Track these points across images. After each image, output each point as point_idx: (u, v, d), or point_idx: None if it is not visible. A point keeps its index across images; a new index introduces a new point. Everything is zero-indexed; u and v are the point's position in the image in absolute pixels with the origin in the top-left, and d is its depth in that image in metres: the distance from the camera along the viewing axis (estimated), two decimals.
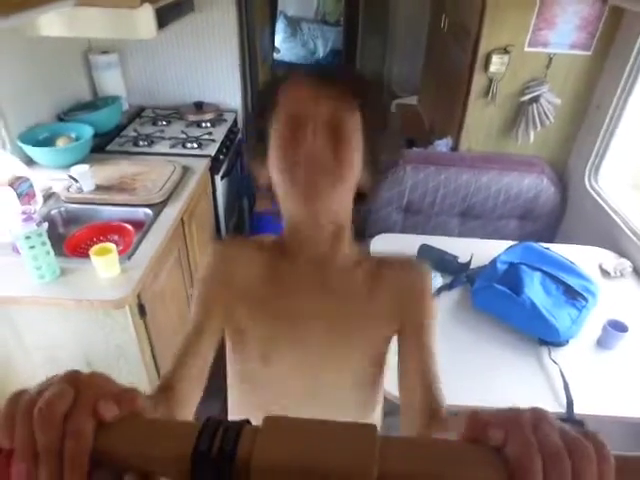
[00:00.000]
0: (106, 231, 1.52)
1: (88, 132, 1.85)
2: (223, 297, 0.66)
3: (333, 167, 0.58)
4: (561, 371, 1.27)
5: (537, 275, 1.47)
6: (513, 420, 0.33)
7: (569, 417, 1.19)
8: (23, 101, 1.78)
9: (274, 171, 0.61)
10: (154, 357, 1.47)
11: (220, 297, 0.66)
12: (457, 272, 1.62)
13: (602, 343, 1.38)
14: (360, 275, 0.69)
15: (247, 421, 0.34)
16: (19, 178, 1.45)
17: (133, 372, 1.42)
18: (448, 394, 1.24)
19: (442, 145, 2.37)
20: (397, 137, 2.18)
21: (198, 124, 2.22)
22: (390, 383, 1.24)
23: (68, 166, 1.66)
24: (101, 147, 1.97)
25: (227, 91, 2.40)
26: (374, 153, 0.63)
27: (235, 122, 2.38)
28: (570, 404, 1.20)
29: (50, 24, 1.62)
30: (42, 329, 1.34)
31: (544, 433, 0.32)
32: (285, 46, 5.35)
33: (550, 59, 1.99)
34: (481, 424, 0.33)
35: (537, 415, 0.33)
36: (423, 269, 0.73)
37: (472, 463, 0.31)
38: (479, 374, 1.29)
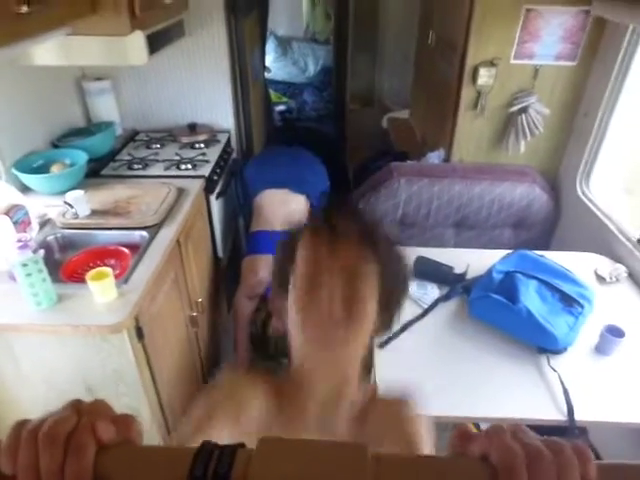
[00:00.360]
0: (102, 255, 1.53)
1: (82, 158, 1.86)
2: (228, 429, 0.64)
3: (346, 325, 0.60)
4: (560, 378, 1.28)
5: (533, 283, 1.47)
6: (494, 431, 0.35)
7: (571, 424, 1.19)
8: (17, 129, 1.80)
9: (292, 315, 0.64)
10: (154, 380, 1.46)
11: (225, 428, 0.64)
12: (453, 283, 1.62)
13: (600, 349, 1.38)
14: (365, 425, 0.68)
15: (241, 444, 0.35)
16: (15, 206, 1.46)
17: (132, 396, 1.42)
18: (446, 405, 1.24)
19: (434, 157, 2.39)
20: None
21: (192, 145, 2.25)
22: None
23: (63, 192, 1.67)
24: (96, 172, 1.98)
25: (220, 112, 2.43)
26: (389, 303, 0.66)
27: (228, 142, 2.41)
28: (571, 411, 1.20)
29: (43, 53, 1.65)
30: (40, 355, 1.33)
31: (525, 438, 0.34)
32: (276, 65, 5.42)
33: (536, 70, 2.03)
34: (466, 437, 0.35)
35: (516, 426, 0.36)
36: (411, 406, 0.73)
37: (460, 474, 0.32)
38: (478, 384, 1.29)
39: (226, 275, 2.29)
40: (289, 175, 2.34)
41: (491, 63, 2.02)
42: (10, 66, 1.71)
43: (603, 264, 1.74)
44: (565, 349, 1.38)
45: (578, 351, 1.39)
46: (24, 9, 1.06)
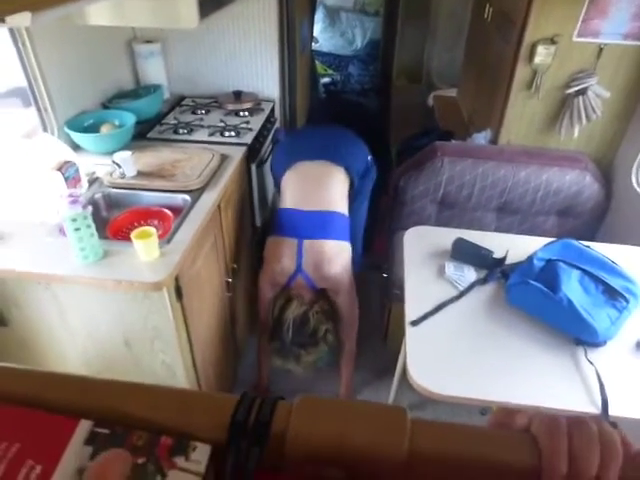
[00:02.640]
0: (146, 216, 1.57)
1: (131, 119, 1.91)
2: None
3: None
4: (597, 372, 1.24)
5: (576, 273, 1.43)
6: (534, 410, 0.36)
7: (604, 418, 1.16)
8: (70, 90, 1.85)
9: None
10: (190, 340, 1.51)
11: None
12: (492, 267, 1.59)
13: None
14: None
15: (281, 397, 0.36)
16: (66, 163, 1.52)
17: (168, 353, 1.47)
18: (480, 390, 1.23)
19: (480, 138, 2.32)
20: None
21: (236, 113, 2.26)
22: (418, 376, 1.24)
23: (111, 152, 1.72)
24: (142, 134, 2.03)
25: (266, 81, 2.42)
26: None
27: (272, 111, 2.40)
28: (605, 405, 1.17)
29: (98, 13, 1.67)
30: (84, 307, 1.40)
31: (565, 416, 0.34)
32: (323, 36, 5.33)
33: (600, 50, 1.91)
34: (507, 411, 0.36)
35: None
36: None
37: (502, 443, 0.32)
38: (512, 371, 1.28)
39: (261, 243, 2.31)
40: (325, 146, 1.99)
41: (551, 40, 1.91)
42: (66, 26, 1.75)
43: None
44: (604, 343, 1.33)
45: (618, 346, 1.34)
46: None
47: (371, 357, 2.30)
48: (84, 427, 0.35)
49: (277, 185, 2.02)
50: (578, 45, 1.91)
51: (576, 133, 2.07)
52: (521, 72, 2.03)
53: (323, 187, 1.88)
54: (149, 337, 1.44)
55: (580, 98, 1.98)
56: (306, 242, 1.79)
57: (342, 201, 1.92)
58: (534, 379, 1.25)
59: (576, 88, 1.97)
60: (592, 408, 1.18)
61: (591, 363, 1.28)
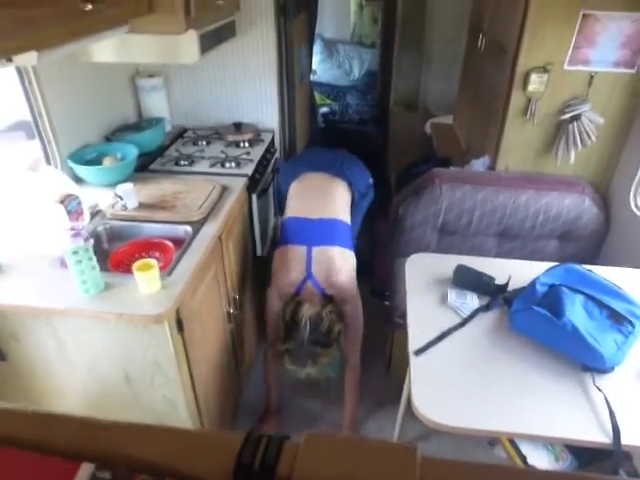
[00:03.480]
0: (148, 247, 1.58)
1: (133, 152, 1.93)
2: None
3: None
4: (606, 399, 1.22)
5: (579, 298, 1.42)
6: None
7: (616, 449, 1.13)
8: (74, 123, 1.88)
9: None
10: (191, 373, 1.49)
11: None
12: (494, 293, 1.58)
13: None
14: None
15: (287, 436, 0.35)
16: (69, 196, 1.53)
17: (170, 388, 1.45)
18: (487, 420, 1.21)
19: (479, 164, 2.34)
20: None
21: (237, 144, 2.29)
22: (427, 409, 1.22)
23: (114, 184, 1.74)
24: (145, 166, 2.05)
25: (265, 112, 2.46)
26: None
27: (272, 142, 2.44)
28: (617, 434, 1.14)
29: (102, 51, 1.72)
30: (84, 341, 1.38)
31: None
32: (322, 67, 5.45)
33: (591, 77, 1.95)
34: None
35: None
36: None
37: None
38: (519, 400, 1.25)
39: (263, 274, 2.31)
40: (331, 162, 2.15)
41: (543, 69, 1.96)
42: (71, 63, 1.79)
43: None
44: (612, 369, 1.31)
45: (626, 372, 1.32)
46: (89, 7, 1.11)
47: (375, 387, 2.26)
48: (85, 471, 0.34)
49: (283, 198, 2.10)
50: (570, 73, 1.96)
51: (572, 158, 2.09)
52: (516, 99, 2.06)
53: (328, 196, 1.99)
54: (150, 371, 1.42)
55: (574, 124, 2.01)
56: (315, 249, 1.81)
57: (345, 211, 2.01)
58: (542, 408, 1.23)
59: (570, 114, 2.01)
60: (603, 437, 1.16)
61: (599, 390, 1.26)
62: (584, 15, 1.84)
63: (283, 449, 0.33)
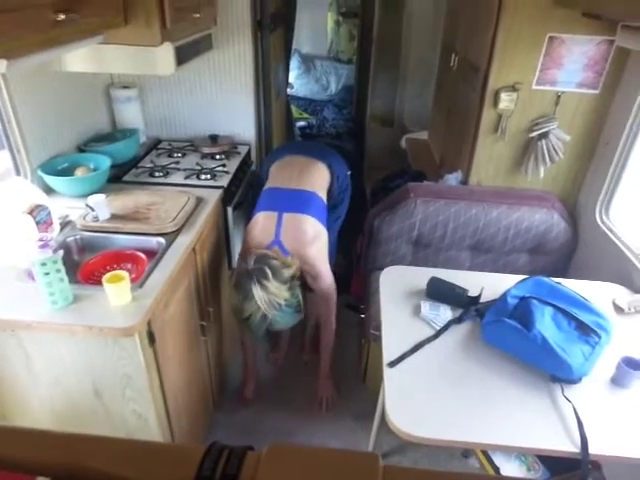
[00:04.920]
0: (119, 259, 1.55)
1: (106, 163, 1.90)
2: None
3: None
4: (575, 409, 1.24)
5: (548, 310, 1.45)
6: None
7: (584, 458, 1.15)
8: (46, 133, 1.84)
9: None
10: (162, 387, 1.46)
11: None
12: (467, 306, 1.61)
13: (617, 381, 1.35)
14: None
15: (250, 447, 0.35)
16: (38, 206, 1.50)
17: (140, 401, 1.41)
18: (460, 432, 1.22)
19: (452, 179, 2.39)
20: None
21: (212, 156, 2.28)
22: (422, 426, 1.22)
23: (85, 195, 1.71)
24: (118, 177, 2.02)
25: (241, 125, 2.47)
26: None
27: (249, 154, 2.44)
28: (585, 444, 1.16)
29: (75, 60, 1.71)
30: (51, 354, 1.34)
31: None
32: (299, 82, 5.51)
33: (558, 97, 2.02)
34: None
35: None
36: None
37: None
38: (488, 410, 1.27)
39: None
40: (311, 148, 2.17)
41: (513, 88, 2.02)
42: (43, 71, 1.77)
43: (622, 294, 1.71)
44: (580, 379, 1.34)
45: (594, 382, 1.35)
46: (61, 17, 1.10)
47: (350, 400, 2.25)
48: None
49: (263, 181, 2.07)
50: (538, 92, 2.03)
51: (542, 173, 2.16)
52: (487, 117, 2.12)
53: (305, 172, 1.98)
54: (119, 385, 1.38)
55: (543, 141, 2.07)
56: (286, 215, 1.79)
57: (322, 190, 2.01)
58: (513, 419, 1.25)
59: (538, 132, 2.07)
60: (572, 447, 1.18)
61: (568, 400, 1.28)
62: (550, 37, 1.92)
63: (245, 460, 0.33)
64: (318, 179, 2.00)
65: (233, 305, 1.71)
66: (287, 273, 1.68)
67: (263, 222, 1.81)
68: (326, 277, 1.90)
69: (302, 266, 1.79)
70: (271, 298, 1.63)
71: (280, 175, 1.99)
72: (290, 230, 1.78)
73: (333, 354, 2.15)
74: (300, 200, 1.87)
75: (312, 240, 1.81)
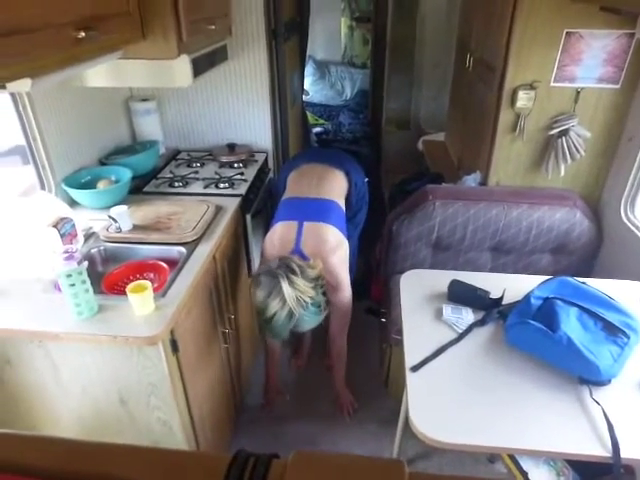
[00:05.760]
0: (142, 269, 1.58)
1: (127, 175, 1.94)
2: None
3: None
4: (604, 412, 1.21)
5: (573, 310, 1.42)
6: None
7: (616, 462, 1.12)
8: (68, 148, 1.89)
9: None
10: (186, 395, 1.48)
11: None
12: (489, 308, 1.58)
13: None
14: None
15: (275, 455, 0.35)
16: (63, 219, 1.53)
17: (165, 410, 1.43)
18: (486, 436, 1.20)
19: (470, 180, 2.37)
20: None
21: (231, 165, 2.31)
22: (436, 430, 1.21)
23: (108, 207, 1.75)
24: (139, 188, 2.06)
25: (258, 133, 2.49)
26: None
27: (266, 162, 2.46)
28: (616, 448, 1.13)
29: (95, 76, 1.75)
30: (78, 364, 1.37)
31: None
32: (314, 88, 5.54)
33: (578, 93, 1.99)
34: None
35: None
36: None
37: None
38: (513, 414, 1.25)
39: None
40: (328, 156, 2.17)
41: (530, 86, 2.00)
42: (65, 88, 1.82)
43: None
44: (609, 381, 1.31)
45: (623, 384, 1.32)
46: (81, 34, 1.13)
47: (373, 405, 2.24)
48: None
49: (281, 194, 2.07)
50: (556, 89, 2.00)
51: (562, 172, 2.12)
52: (505, 116, 2.10)
53: (324, 180, 1.99)
54: (144, 393, 1.40)
55: (563, 139, 2.04)
56: (306, 224, 1.78)
57: (341, 198, 2.01)
58: (540, 422, 1.22)
59: (558, 129, 2.04)
60: (602, 451, 1.15)
61: (597, 403, 1.25)
62: (568, 33, 1.89)
63: (271, 468, 0.33)
64: (337, 187, 2.00)
65: (257, 303, 1.66)
66: (312, 273, 1.65)
67: (283, 231, 1.80)
68: (346, 288, 1.87)
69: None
70: (298, 295, 1.59)
71: (298, 184, 2.00)
72: (311, 239, 1.76)
73: (346, 364, 2.13)
74: (320, 209, 1.87)
75: (334, 249, 1.79)
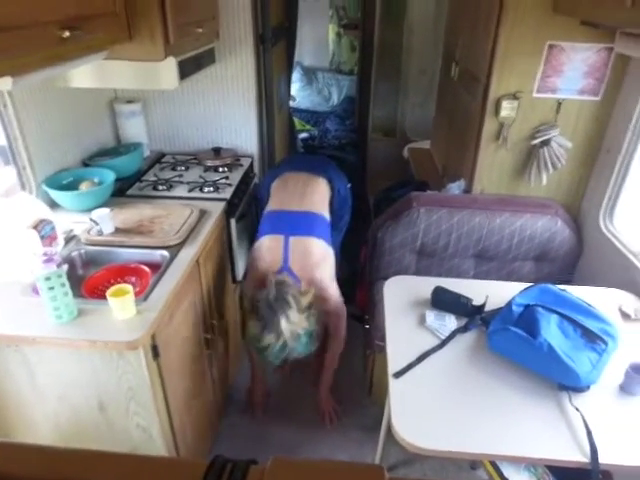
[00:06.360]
0: (124, 273, 1.55)
1: (110, 177, 1.92)
2: None
3: None
4: (583, 418, 1.23)
5: (554, 317, 1.44)
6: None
7: (594, 468, 1.14)
8: (51, 148, 1.86)
9: None
10: (166, 401, 1.45)
11: None
12: (472, 314, 1.60)
13: (625, 389, 1.33)
14: None
15: (253, 461, 0.34)
16: (42, 221, 1.51)
17: (144, 416, 1.41)
18: (467, 443, 1.21)
19: (455, 188, 2.39)
20: None
21: (215, 169, 2.29)
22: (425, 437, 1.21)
23: (90, 209, 1.72)
24: (122, 191, 2.04)
25: (244, 137, 2.49)
26: None
27: (251, 166, 2.45)
28: (595, 454, 1.15)
29: (80, 76, 1.73)
30: (56, 369, 1.34)
31: None
32: (301, 94, 5.55)
33: (559, 104, 2.03)
34: None
35: None
36: None
37: None
38: (495, 420, 1.25)
39: (241, 299, 2.30)
40: (310, 163, 2.20)
41: (514, 96, 2.03)
42: (48, 87, 1.79)
43: (628, 301, 1.70)
44: (588, 387, 1.33)
45: (602, 390, 1.34)
46: (66, 34, 1.12)
47: (356, 412, 2.23)
48: None
49: (264, 201, 2.09)
50: (539, 100, 2.03)
51: (544, 180, 2.15)
52: (489, 125, 2.13)
53: (307, 191, 2.00)
54: (124, 399, 1.38)
55: (545, 148, 2.07)
56: (292, 239, 1.81)
57: (325, 207, 2.03)
58: (521, 429, 1.23)
59: (540, 139, 2.07)
60: (581, 457, 1.16)
61: (577, 409, 1.27)
62: (550, 46, 1.93)
63: (248, 474, 0.32)
64: (320, 197, 2.02)
65: (252, 335, 1.69)
66: (305, 301, 1.70)
67: (270, 246, 1.83)
68: (335, 298, 1.92)
69: (310, 286, 1.81)
70: (292, 329, 1.63)
71: (282, 196, 2.01)
72: (297, 255, 1.80)
73: (336, 369, 2.14)
74: (305, 222, 1.90)
75: (319, 262, 1.83)
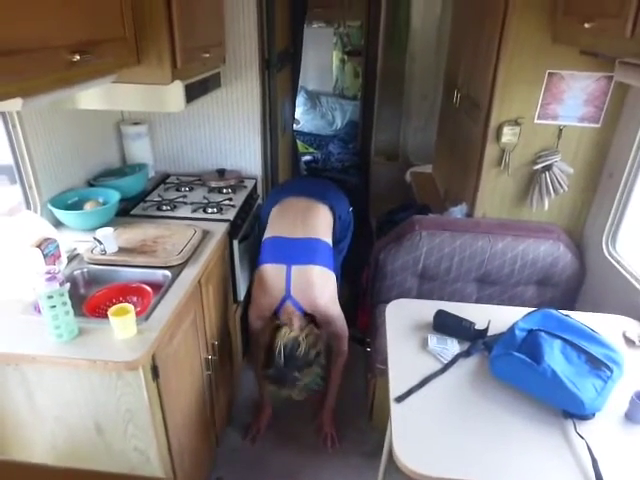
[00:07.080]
0: (125, 292, 1.56)
1: (115, 197, 1.94)
2: None
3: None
4: (588, 446, 1.20)
5: (557, 343, 1.42)
6: None
7: None
8: (56, 168, 1.89)
9: None
10: (165, 423, 1.43)
11: None
12: (474, 339, 1.58)
13: (630, 416, 1.31)
14: None
15: None
16: (47, 239, 1.51)
17: (142, 438, 1.39)
18: (470, 469, 1.18)
19: (457, 212, 2.40)
20: None
21: (219, 190, 2.31)
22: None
23: (94, 229, 1.73)
24: (126, 211, 2.05)
25: (248, 159, 2.52)
26: None
27: (255, 188, 2.47)
28: None
29: (88, 98, 1.76)
30: (54, 389, 1.33)
31: None
32: (305, 117, 5.64)
33: (560, 130, 2.05)
34: None
35: None
36: None
37: None
38: (501, 448, 1.23)
39: (243, 320, 2.29)
40: (312, 188, 2.19)
41: (515, 122, 2.06)
42: (56, 109, 1.82)
43: (632, 327, 1.68)
44: (593, 415, 1.31)
45: (607, 418, 1.32)
46: (76, 58, 1.14)
47: (357, 437, 2.20)
48: None
49: (264, 225, 2.12)
50: (540, 126, 2.06)
51: (546, 206, 2.16)
52: (490, 151, 2.15)
53: (308, 217, 2.00)
54: (122, 421, 1.36)
55: (547, 174, 2.09)
56: (294, 268, 1.82)
57: (327, 233, 2.03)
58: (524, 456, 1.21)
59: (542, 165, 2.09)
60: None
61: (581, 437, 1.24)
62: (550, 74, 1.96)
63: None
64: (322, 223, 2.03)
65: (270, 388, 1.91)
66: (313, 353, 1.79)
67: (272, 276, 1.85)
68: (338, 321, 1.95)
69: (312, 312, 1.87)
70: (306, 381, 1.80)
71: (282, 222, 2.01)
72: (300, 283, 1.82)
73: (340, 388, 2.16)
74: (307, 249, 1.90)
75: (322, 289, 1.86)
